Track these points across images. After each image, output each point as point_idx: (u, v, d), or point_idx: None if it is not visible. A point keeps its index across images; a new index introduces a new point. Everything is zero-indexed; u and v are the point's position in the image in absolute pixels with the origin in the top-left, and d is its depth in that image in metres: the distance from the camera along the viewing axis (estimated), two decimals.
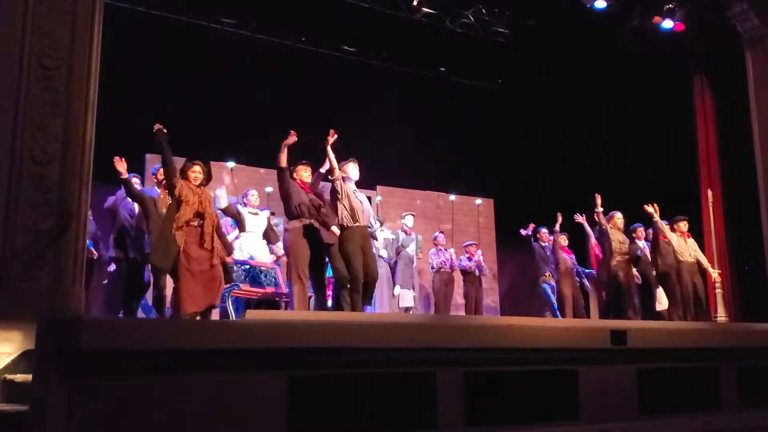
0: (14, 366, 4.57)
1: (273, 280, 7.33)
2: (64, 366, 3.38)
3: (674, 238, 8.47)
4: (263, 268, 7.34)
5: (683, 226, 8.53)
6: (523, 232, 9.74)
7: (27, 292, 5.03)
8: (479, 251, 10.40)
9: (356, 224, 6.41)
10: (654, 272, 8.66)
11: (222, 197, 7.26)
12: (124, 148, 6.99)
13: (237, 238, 7.51)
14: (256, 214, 7.62)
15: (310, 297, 6.79)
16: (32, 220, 5.19)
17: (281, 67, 11.01)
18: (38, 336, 3.60)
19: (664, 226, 8.50)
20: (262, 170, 10.52)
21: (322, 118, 10.86)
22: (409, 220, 9.68)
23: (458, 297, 10.65)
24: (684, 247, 8.44)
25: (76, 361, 3.38)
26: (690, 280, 8.34)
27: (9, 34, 5.34)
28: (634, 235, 8.86)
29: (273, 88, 10.76)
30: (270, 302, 7.32)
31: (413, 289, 9.25)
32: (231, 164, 10.06)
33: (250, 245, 7.49)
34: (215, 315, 6.26)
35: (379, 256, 8.76)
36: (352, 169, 6.69)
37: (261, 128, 10.44)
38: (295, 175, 6.63)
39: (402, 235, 9.51)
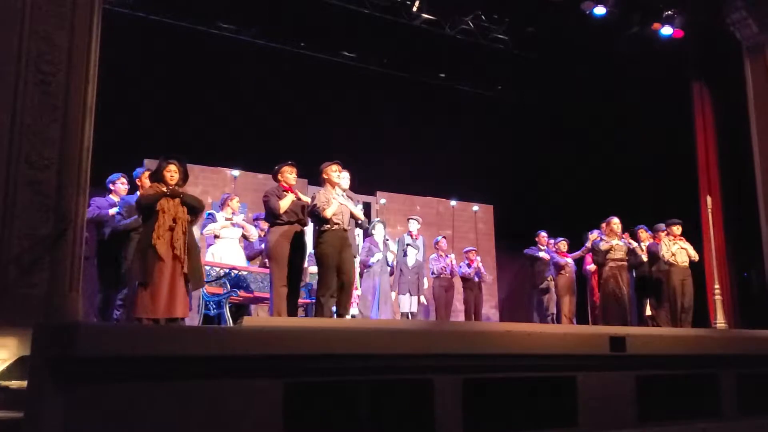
0: (9, 372, 4.54)
1: (246, 285, 7.25)
2: (59, 372, 3.36)
3: (667, 242, 8.54)
4: (244, 273, 7.29)
5: (676, 229, 8.57)
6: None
7: (24, 298, 5.02)
8: (478, 257, 10.40)
9: (334, 228, 6.15)
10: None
11: (217, 226, 7.40)
12: (122, 154, 6.96)
13: (211, 245, 7.53)
14: (230, 219, 7.58)
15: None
16: (29, 226, 5.19)
17: (280, 73, 11.01)
18: (34, 342, 3.57)
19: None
20: (260, 176, 10.51)
21: (322, 124, 10.98)
22: (412, 225, 9.66)
23: (458, 303, 10.64)
24: (676, 250, 8.48)
25: (72, 367, 3.36)
26: (679, 283, 8.38)
27: (7, 38, 5.34)
28: (635, 236, 8.97)
29: (272, 94, 10.76)
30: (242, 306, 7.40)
31: (411, 293, 9.19)
32: (235, 173, 10.02)
33: (224, 251, 7.44)
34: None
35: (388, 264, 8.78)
36: (333, 172, 6.36)
37: (260, 133, 10.46)
38: (279, 177, 6.49)
39: (408, 239, 9.49)
